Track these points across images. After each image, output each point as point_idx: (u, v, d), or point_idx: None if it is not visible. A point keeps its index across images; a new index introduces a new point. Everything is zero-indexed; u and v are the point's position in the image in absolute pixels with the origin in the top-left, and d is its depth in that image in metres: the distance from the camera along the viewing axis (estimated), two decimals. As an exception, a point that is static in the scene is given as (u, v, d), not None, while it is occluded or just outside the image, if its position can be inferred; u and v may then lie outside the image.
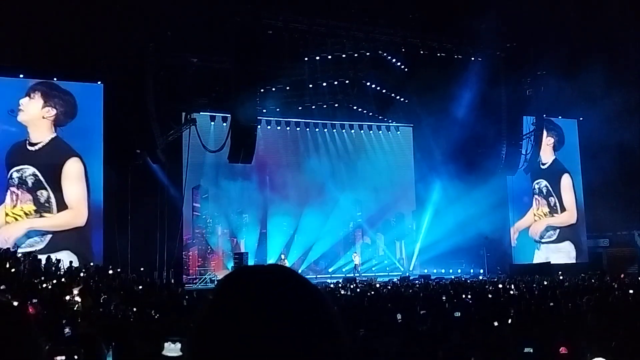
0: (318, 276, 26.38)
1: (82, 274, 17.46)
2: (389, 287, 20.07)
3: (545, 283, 19.96)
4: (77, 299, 11.65)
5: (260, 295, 1.04)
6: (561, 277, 22.99)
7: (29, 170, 22.31)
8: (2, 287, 11.99)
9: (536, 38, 25.64)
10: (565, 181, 31.68)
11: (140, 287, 17.11)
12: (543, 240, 30.75)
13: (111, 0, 21.78)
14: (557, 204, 31.31)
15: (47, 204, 22.34)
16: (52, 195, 22.38)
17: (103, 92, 23.36)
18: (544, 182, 31.36)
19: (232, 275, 1.12)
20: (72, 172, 22.78)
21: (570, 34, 24.38)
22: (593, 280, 21.20)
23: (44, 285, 13.86)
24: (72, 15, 20.84)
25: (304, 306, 1.05)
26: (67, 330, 6.73)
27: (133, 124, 22.34)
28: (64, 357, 1.88)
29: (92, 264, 20.04)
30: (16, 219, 21.96)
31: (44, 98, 22.69)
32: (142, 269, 21.07)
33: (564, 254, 30.68)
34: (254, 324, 1.01)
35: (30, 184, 22.28)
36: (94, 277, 17.08)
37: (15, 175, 22.14)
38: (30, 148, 22.37)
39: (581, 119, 31.58)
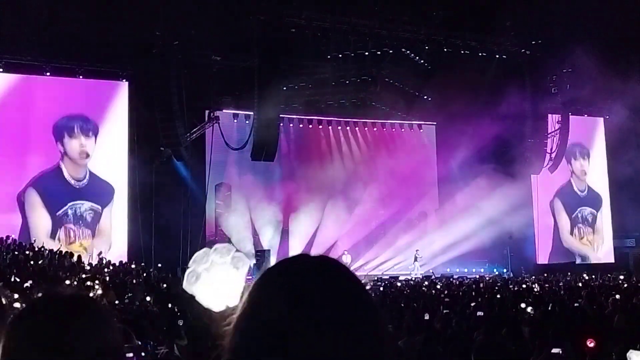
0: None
1: (106, 270, 17.67)
2: (412, 286, 19.98)
3: (571, 282, 19.71)
4: (100, 293, 11.78)
5: (305, 285, 1.04)
6: (586, 277, 22.69)
7: (85, 205, 22.78)
8: (29, 283, 12.18)
9: (561, 35, 25.29)
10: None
11: (164, 283, 17.24)
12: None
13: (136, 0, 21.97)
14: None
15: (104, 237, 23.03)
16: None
17: (128, 90, 23.62)
18: (588, 210, 31.28)
19: (283, 262, 1.13)
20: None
21: (596, 30, 24.00)
22: (620, 281, 20.88)
23: (69, 280, 14.03)
24: (97, 14, 21.04)
25: (350, 302, 1.05)
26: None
27: (157, 121, 22.53)
28: (132, 355, 1.92)
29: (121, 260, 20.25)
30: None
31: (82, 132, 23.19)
32: (159, 265, 21.22)
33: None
34: (297, 313, 1.01)
35: (89, 219, 22.79)
36: (119, 273, 17.28)
37: (70, 212, 22.56)
38: (74, 183, 22.86)
39: (607, 117, 31.11)
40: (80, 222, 22.71)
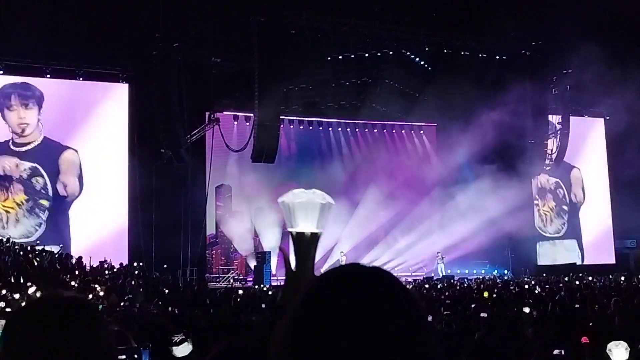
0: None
1: (107, 272, 17.66)
2: (413, 287, 19.97)
3: (576, 283, 19.70)
4: (102, 294, 11.78)
5: (357, 295, 1.05)
6: (589, 278, 22.70)
7: (23, 164, 22.28)
8: (29, 284, 12.18)
9: (561, 35, 25.30)
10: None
11: (164, 285, 17.24)
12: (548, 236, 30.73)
13: (136, 1, 21.97)
14: (567, 196, 31.45)
15: (43, 191, 22.45)
16: (48, 182, 22.46)
17: (128, 92, 23.64)
18: (552, 180, 31.41)
19: (334, 271, 1.13)
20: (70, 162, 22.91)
21: (596, 30, 23.99)
22: (621, 282, 20.87)
23: (71, 282, 14.02)
24: (97, 16, 21.07)
25: (401, 316, 1.05)
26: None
27: (157, 123, 22.53)
28: (124, 357, 1.89)
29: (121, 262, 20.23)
30: (7, 212, 21.95)
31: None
32: (165, 265, 21.25)
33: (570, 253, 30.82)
34: (347, 323, 1.01)
35: (24, 176, 22.25)
36: (119, 275, 17.27)
37: None
38: (15, 149, 22.38)
39: (607, 117, 31.11)
40: (13, 178, 22.07)
